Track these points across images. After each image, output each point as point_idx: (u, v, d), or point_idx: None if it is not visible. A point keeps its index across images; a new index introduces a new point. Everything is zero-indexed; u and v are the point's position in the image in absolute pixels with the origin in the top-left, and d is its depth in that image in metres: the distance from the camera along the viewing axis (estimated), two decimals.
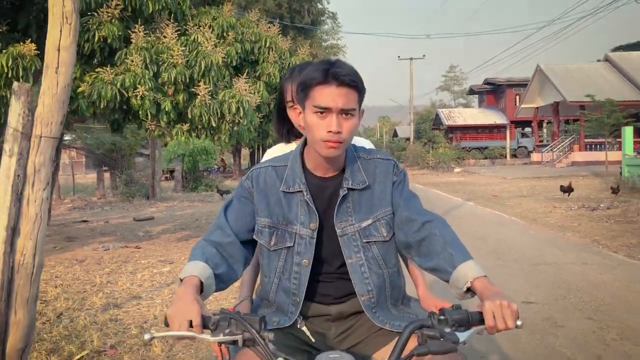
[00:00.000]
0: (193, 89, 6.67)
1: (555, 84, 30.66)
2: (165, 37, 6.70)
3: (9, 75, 5.49)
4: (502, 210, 13.04)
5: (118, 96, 6.32)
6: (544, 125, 44.10)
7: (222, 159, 42.32)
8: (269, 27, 8.36)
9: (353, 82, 1.63)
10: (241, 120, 6.90)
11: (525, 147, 43.35)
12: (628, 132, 18.59)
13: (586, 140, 30.58)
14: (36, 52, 5.68)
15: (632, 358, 3.88)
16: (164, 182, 25.64)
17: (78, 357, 3.97)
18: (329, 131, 1.63)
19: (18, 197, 2.33)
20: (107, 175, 22.66)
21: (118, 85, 6.27)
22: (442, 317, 1.39)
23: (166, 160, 25.51)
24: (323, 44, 41.77)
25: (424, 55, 49.09)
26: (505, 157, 42.88)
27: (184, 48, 6.65)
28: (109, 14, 6.36)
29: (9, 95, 5.80)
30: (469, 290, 1.53)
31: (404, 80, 47.06)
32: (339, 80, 1.61)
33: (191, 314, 1.39)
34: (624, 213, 11.12)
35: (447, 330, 1.37)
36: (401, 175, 1.85)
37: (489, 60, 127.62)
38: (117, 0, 6.47)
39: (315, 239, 1.78)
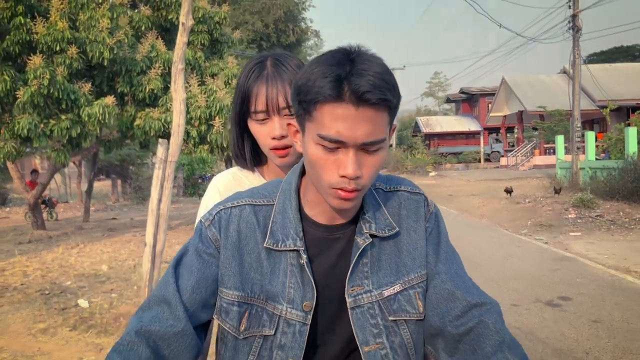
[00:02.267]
0: (211, 122, 9.90)
1: (517, 95, 34.12)
2: (190, 86, 9.93)
3: (100, 119, 8.68)
4: (447, 205, 16.38)
5: (162, 127, 9.54)
6: (515, 131, 47.65)
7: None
8: (300, 62, 11.69)
9: (383, 100, 0.98)
10: None
11: (498, 152, 46.79)
12: (560, 140, 21.97)
13: (546, 145, 34.01)
14: (114, 102, 8.91)
15: (475, 280, 7.16)
16: None
17: None
18: (343, 176, 1.01)
19: (162, 184, 5.49)
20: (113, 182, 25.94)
21: (162, 120, 9.50)
22: None
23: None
24: (308, 58, 45.20)
25: (404, 66, 52.91)
26: (479, 161, 46.29)
27: (204, 95, 9.88)
28: (155, 73, 9.60)
29: (98, 131, 9.05)
30: None
31: None
32: (361, 99, 0.96)
33: None
34: (534, 205, 14.48)
35: None
36: (435, 220, 1.23)
37: (472, 65, 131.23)
38: (159, 63, 9.72)
39: (309, 326, 1.12)
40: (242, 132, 1.52)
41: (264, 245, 1.13)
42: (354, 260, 1.12)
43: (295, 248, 1.12)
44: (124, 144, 12.63)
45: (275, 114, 1.41)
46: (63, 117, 8.95)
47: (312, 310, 1.12)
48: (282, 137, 1.41)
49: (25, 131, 8.62)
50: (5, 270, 8.12)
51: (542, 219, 11.96)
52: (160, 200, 5.56)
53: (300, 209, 1.16)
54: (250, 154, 1.55)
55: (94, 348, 4.81)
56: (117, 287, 6.93)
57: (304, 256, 1.11)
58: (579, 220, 11.52)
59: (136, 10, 10.67)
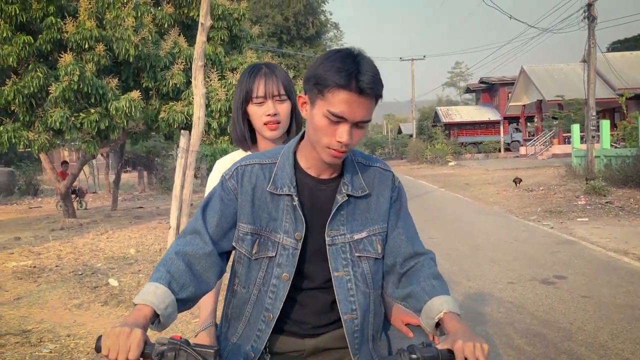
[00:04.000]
0: (231, 114, 10.37)
1: (535, 84, 34.05)
2: (211, 80, 10.43)
3: (126, 112, 9.24)
4: (462, 193, 16.72)
5: (185, 120, 10.07)
6: (534, 120, 47.43)
7: None
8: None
9: (377, 93, 1.43)
10: None
11: (518, 141, 46.61)
12: (575, 128, 22.07)
13: (565, 134, 33.90)
14: (140, 97, 9.45)
15: (478, 261, 7.56)
16: None
17: None
18: (339, 141, 1.43)
19: (184, 172, 6.00)
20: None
21: (185, 113, 10.03)
22: (413, 356, 1.33)
23: None
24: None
25: (424, 56, 52.84)
26: (499, 150, 46.17)
27: (224, 89, 10.38)
28: (178, 68, 10.13)
29: (125, 123, 9.61)
30: (438, 325, 1.47)
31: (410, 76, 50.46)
32: (362, 91, 1.39)
33: (130, 341, 1.22)
34: (547, 193, 14.75)
35: None
36: (399, 192, 1.68)
37: (492, 54, 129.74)
38: (181, 59, 10.24)
39: (299, 251, 1.55)
40: (243, 117, 2.03)
41: (268, 189, 1.55)
42: (334, 211, 1.55)
43: (289, 193, 1.54)
44: (149, 136, 13.27)
45: (270, 98, 1.97)
46: (92, 110, 9.55)
47: (302, 240, 1.55)
48: (275, 114, 1.96)
49: (58, 124, 9.22)
50: (41, 254, 8.75)
51: (552, 206, 12.26)
52: (182, 187, 6.09)
53: (295, 166, 1.58)
54: (248, 135, 2.06)
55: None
56: (144, 269, 7.48)
57: (296, 199, 1.54)
58: (588, 207, 11.80)
59: (159, 8, 11.20)
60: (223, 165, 2.08)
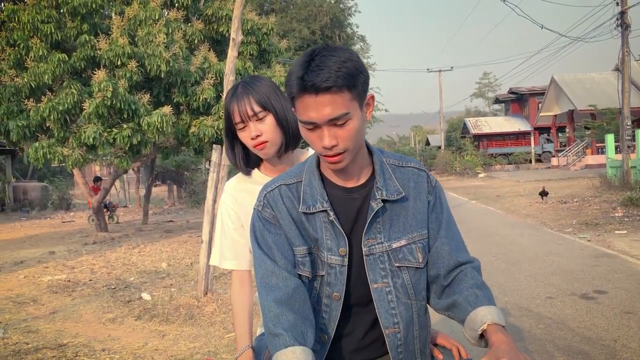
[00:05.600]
0: None
1: (566, 94, 33.53)
2: None
3: (158, 127, 9.33)
4: (493, 205, 16.46)
5: (215, 134, 10.13)
6: (566, 130, 46.66)
7: None
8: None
9: (335, 86, 1.31)
10: None
11: (549, 152, 45.92)
12: (610, 138, 21.61)
13: (598, 144, 33.26)
14: (171, 112, 9.55)
15: (514, 275, 7.40)
16: None
17: None
18: (324, 146, 1.37)
19: (216, 186, 6.01)
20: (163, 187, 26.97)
21: (215, 127, 10.09)
22: None
23: None
24: None
25: (451, 67, 52.58)
26: (530, 161, 45.51)
27: None
28: (208, 83, 10.21)
29: (156, 138, 9.70)
30: (482, 337, 1.39)
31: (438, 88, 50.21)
32: (316, 89, 1.30)
33: None
34: (581, 204, 14.41)
35: None
36: (437, 193, 1.58)
37: (522, 65, 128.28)
38: (211, 74, 10.33)
39: (346, 267, 1.48)
40: (232, 143, 1.98)
41: (301, 210, 1.49)
42: (369, 219, 1.47)
43: (323, 209, 1.48)
44: (180, 150, 13.37)
45: (248, 121, 1.87)
46: (125, 126, 9.68)
47: (347, 255, 1.48)
48: (257, 136, 1.86)
49: (91, 140, 9.37)
50: (75, 268, 8.86)
51: (588, 218, 11.97)
52: (214, 201, 6.08)
53: (322, 178, 1.52)
54: (243, 159, 1.99)
55: (157, 334, 5.33)
56: (176, 282, 7.50)
57: (331, 213, 1.47)
58: (625, 219, 11.49)
59: (189, 25, 11.34)
60: (231, 187, 2.04)
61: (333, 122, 1.35)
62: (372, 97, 1.45)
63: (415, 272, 1.53)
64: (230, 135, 1.97)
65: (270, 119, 1.87)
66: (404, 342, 1.51)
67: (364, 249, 1.49)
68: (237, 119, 1.88)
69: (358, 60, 1.38)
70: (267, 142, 1.87)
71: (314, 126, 1.37)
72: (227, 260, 2.00)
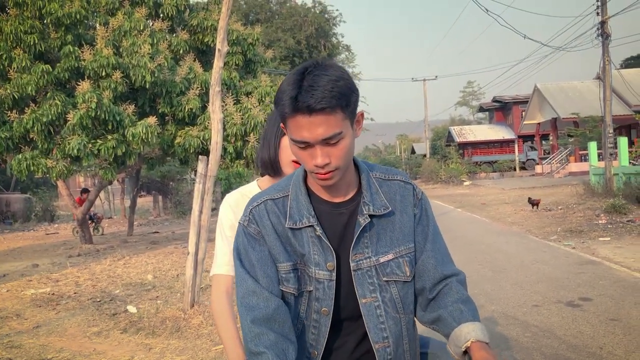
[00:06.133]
0: (246, 138, 10.42)
1: (550, 102, 33.89)
2: (227, 105, 10.48)
3: (143, 138, 9.29)
4: (479, 213, 16.55)
5: (200, 144, 10.10)
6: (550, 138, 47.13)
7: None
8: None
9: (328, 107, 1.30)
10: None
11: (533, 160, 46.33)
12: (592, 146, 21.86)
13: (581, 152, 33.63)
14: (156, 122, 9.51)
15: (500, 284, 7.44)
16: None
17: None
18: (315, 165, 1.37)
19: (202, 197, 5.98)
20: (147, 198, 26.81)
21: (201, 138, 10.06)
22: None
23: None
24: None
25: (436, 77, 53.04)
26: (514, 169, 45.86)
27: (239, 113, 10.42)
28: (194, 93, 10.19)
29: (141, 149, 9.65)
30: (466, 353, 1.40)
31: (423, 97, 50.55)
32: (310, 110, 1.30)
33: None
34: (565, 212, 14.55)
35: None
36: (423, 206, 1.58)
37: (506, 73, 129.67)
38: (197, 84, 10.31)
39: (334, 282, 1.47)
40: (278, 142, 1.91)
41: (287, 226, 1.48)
42: (357, 235, 1.48)
43: (310, 224, 1.47)
44: (165, 161, 13.32)
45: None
46: (109, 137, 9.62)
47: (335, 270, 1.48)
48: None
49: (75, 151, 9.29)
50: (59, 280, 8.75)
51: (572, 225, 12.08)
52: (201, 212, 6.05)
53: (308, 193, 1.51)
54: (274, 166, 1.94)
55: (143, 348, 5.28)
56: (162, 295, 7.43)
57: (318, 229, 1.46)
58: (609, 226, 11.61)
59: (174, 35, 11.33)
60: (233, 200, 1.97)
61: (326, 141, 1.35)
62: (362, 114, 1.45)
63: (403, 286, 1.53)
64: (278, 135, 1.90)
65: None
66: (394, 357, 1.52)
67: (351, 264, 1.49)
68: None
69: (349, 79, 1.38)
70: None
71: (306, 145, 1.37)
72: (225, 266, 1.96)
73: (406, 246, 1.54)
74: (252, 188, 1.99)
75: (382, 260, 1.50)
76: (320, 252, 1.48)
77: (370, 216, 1.49)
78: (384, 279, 1.50)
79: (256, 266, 1.49)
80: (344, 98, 1.34)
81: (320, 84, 1.31)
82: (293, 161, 1.86)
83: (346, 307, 1.52)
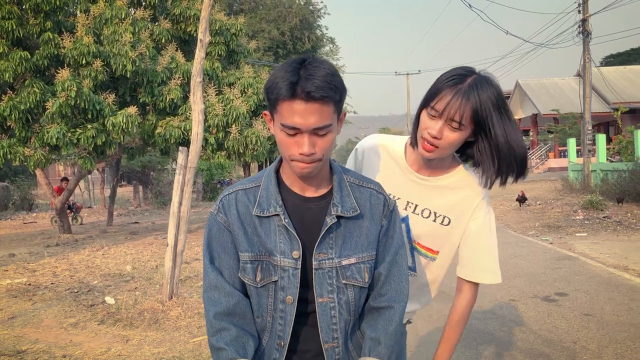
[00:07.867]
0: (228, 129, 10.37)
1: (530, 98, 34.19)
2: (208, 96, 10.40)
3: (123, 128, 9.19)
4: None
5: (181, 135, 10.03)
6: (530, 134, 47.54)
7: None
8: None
9: (326, 97, 1.34)
10: (259, 148, 10.60)
11: None
12: (572, 142, 22.15)
13: (561, 148, 34.02)
14: (137, 112, 9.41)
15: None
16: None
17: None
18: (301, 153, 1.38)
19: (182, 189, 5.95)
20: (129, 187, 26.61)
21: (182, 128, 9.99)
22: None
23: None
24: None
25: (419, 71, 53.16)
26: None
27: (221, 104, 10.35)
28: (175, 83, 10.10)
29: (122, 139, 9.55)
30: None
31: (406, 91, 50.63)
32: (309, 97, 1.33)
33: None
34: (544, 207, 14.72)
35: None
36: (391, 219, 1.59)
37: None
38: (179, 74, 10.22)
39: (299, 270, 1.48)
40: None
41: (254, 213, 1.51)
42: (322, 234, 1.49)
43: (276, 213, 1.49)
44: (146, 151, 13.20)
45: (442, 119, 1.67)
46: (89, 126, 9.50)
47: (300, 258, 1.49)
48: (435, 137, 1.67)
49: (54, 140, 9.16)
50: (36, 271, 8.64)
51: (551, 221, 12.23)
52: (180, 204, 6.01)
53: (280, 185, 1.55)
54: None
55: (121, 339, 5.25)
56: (141, 286, 7.39)
57: (284, 217, 1.49)
58: (586, 222, 11.78)
59: (157, 24, 11.20)
60: (384, 139, 1.94)
61: (315, 131, 1.38)
62: (345, 114, 1.49)
63: (359, 291, 1.55)
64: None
65: (460, 137, 1.67)
66: (342, 357, 1.55)
67: (314, 263, 1.50)
68: (440, 106, 1.65)
69: (341, 77, 1.42)
70: (437, 148, 1.69)
71: (296, 132, 1.39)
72: None
73: (369, 253, 1.55)
74: (402, 141, 1.92)
75: (344, 263, 1.51)
76: (286, 241, 1.49)
77: (338, 217, 1.50)
78: (344, 281, 1.52)
79: (221, 258, 1.55)
80: (338, 92, 1.39)
81: (319, 75, 1.35)
82: (428, 135, 1.71)
83: (312, 300, 1.53)
